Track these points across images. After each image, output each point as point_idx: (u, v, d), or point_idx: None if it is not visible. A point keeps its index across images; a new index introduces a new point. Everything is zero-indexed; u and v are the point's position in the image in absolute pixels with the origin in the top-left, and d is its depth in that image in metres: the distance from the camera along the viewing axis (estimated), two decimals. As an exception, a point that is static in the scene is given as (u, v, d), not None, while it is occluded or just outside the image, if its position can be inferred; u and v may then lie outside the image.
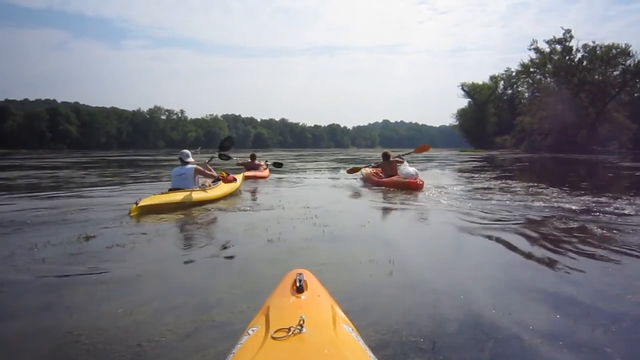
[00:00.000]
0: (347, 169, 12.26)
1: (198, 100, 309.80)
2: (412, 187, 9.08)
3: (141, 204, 6.23)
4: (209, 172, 7.92)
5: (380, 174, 10.44)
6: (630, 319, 2.65)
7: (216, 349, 2.22)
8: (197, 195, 7.19)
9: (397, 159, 10.55)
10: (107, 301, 2.92)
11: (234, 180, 8.85)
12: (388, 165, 10.38)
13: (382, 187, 9.69)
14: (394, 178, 9.77)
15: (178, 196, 6.85)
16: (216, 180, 8.20)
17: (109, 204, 7.30)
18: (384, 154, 10.75)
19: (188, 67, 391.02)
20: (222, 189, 8.13)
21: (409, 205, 7.19)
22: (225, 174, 8.66)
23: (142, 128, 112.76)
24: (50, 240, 4.60)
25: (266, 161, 14.50)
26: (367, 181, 10.80)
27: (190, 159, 7.59)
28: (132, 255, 4.09)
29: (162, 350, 2.25)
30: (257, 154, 15.19)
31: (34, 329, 2.53)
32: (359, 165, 11.61)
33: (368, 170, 11.17)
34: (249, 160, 13.78)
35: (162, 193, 6.91)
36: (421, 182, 9.25)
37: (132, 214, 6.04)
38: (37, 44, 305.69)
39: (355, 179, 11.83)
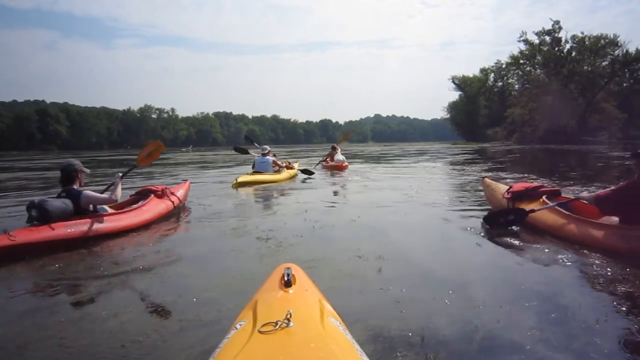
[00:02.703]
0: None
1: (189, 98, 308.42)
2: (340, 168, 13.77)
3: (240, 180, 9.10)
4: (279, 162, 11.22)
5: (329, 161, 14.83)
6: (618, 309, 2.67)
7: (202, 348, 2.19)
8: (273, 177, 10.25)
9: (334, 149, 15.00)
10: (91, 303, 2.89)
11: (293, 168, 11.99)
12: (332, 154, 14.88)
13: (327, 170, 13.95)
14: (331, 163, 14.51)
15: (263, 177, 9.91)
16: (282, 168, 11.18)
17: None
18: (332, 147, 15.46)
19: (179, 66, 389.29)
20: (287, 173, 11.11)
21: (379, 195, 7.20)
22: (288, 163, 12.06)
23: (133, 127, 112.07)
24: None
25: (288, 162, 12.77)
26: (326, 167, 14.73)
27: (269, 152, 10.98)
28: (117, 256, 4.06)
29: (146, 351, 2.22)
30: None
31: (16, 332, 2.50)
32: (309, 168, 12.74)
33: (326, 160, 15.13)
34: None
35: (251, 174, 9.96)
36: (346, 165, 14.17)
37: (233, 186, 8.91)
38: (26, 44, 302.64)
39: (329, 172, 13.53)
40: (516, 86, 70.01)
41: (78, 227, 4.40)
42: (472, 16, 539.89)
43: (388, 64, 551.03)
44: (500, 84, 75.47)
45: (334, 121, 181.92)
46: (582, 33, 55.99)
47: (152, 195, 5.88)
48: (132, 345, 2.27)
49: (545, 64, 58.43)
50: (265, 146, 11.30)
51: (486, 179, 6.44)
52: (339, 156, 14.50)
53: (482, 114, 76.36)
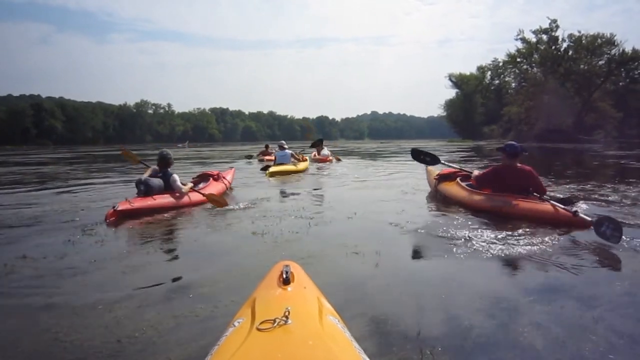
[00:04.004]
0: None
1: (185, 93, 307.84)
2: (324, 161, 15.92)
3: (271, 170, 11.02)
4: (296, 155, 12.81)
5: (316, 155, 16.77)
6: (615, 310, 2.68)
7: (198, 343, 2.18)
8: (295, 167, 11.95)
9: (320, 146, 17.17)
10: (87, 297, 2.87)
11: (306, 160, 13.37)
12: (319, 149, 16.97)
13: (313, 162, 15.37)
14: (317, 157, 16.51)
15: (287, 167, 11.65)
16: (297, 160, 12.64)
17: (94, 200, 7.23)
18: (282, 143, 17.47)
19: (175, 60, 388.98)
20: (303, 164, 12.64)
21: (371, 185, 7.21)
22: (302, 156, 13.39)
23: (129, 122, 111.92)
24: (32, 235, 4.55)
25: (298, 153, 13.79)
26: (313, 160, 16.02)
27: (287, 147, 12.76)
28: (114, 250, 4.03)
29: (141, 346, 2.21)
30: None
31: (11, 326, 2.49)
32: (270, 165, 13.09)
33: (314, 154, 16.98)
34: (264, 149, 19.34)
35: (275, 165, 11.78)
36: (330, 159, 16.55)
37: (267, 176, 10.65)
38: (20, 37, 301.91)
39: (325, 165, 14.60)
40: (513, 84, 70.37)
41: (169, 199, 5.98)
42: (469, 13, 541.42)
43: (385, 61, 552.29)
44: (497, 81, 75.74)
45: (330, 118, 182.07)
46: (579, 32, 56.43)
47: (211, 179, 7.50)
48: (127, 341, 2.26)
49: (542, 62, 58.69)
50: (282, 141, 13.15)
51: (428, 167, 7.97)
52: (325, 151, 16.99)
53: (478, 112, 76.66)
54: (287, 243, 4.23)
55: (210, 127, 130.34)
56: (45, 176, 13.08)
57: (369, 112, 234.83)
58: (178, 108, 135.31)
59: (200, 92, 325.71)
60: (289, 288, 1.66)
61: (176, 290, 3.00)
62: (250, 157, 20.09)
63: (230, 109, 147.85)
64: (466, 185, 6.22)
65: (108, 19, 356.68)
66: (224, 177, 7.77)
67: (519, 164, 5.55)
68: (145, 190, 5.83)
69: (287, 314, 1.33)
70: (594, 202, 6.05)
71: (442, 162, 7.32)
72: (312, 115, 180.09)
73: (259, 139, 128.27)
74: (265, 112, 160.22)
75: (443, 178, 6.86)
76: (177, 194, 6.10)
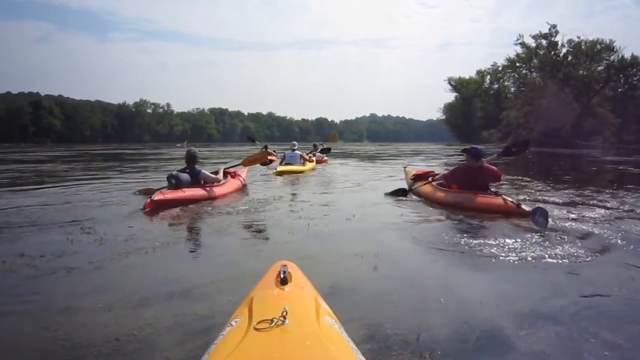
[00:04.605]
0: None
1: (185, 93, 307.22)
2: (321, 162, 16.29)
3: (279, 169, 11.73)
4: (305, 156, 13.44)
5: (312, 157, 16.61)
6: (616, 310, 2.69)
7: (196, 342, 2.19)
8: (302, 167, 12.57)
9: (315, 148, 17.72)
10: (86, 296, 2.87)
11: (313, 161, 14.14)
12: (314, 152, 17.07)
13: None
14: (313, 158, 16.01)
15: (294, 167, 12.24)
16: (306, 161, 13.29)
17: (92, 199, 7.22)
18: (314, 145, 18.45)
19: (174, 60, 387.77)
20: (311, 165, 13.44)
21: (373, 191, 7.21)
22: (310, 157, 14.12)
23: (128, 121, 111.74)
24: (29, 233, 4.54)
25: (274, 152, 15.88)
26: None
27: (297, 147, 13.54)
28: (113, 249, 4.03)
29: (140, 345, 2.21)
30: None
31: (10, 325, 2.49)
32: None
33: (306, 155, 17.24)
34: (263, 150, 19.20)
35: (285, 164, 12.44)
36: (326, 159, 17.33)
37: (275, 174, 11.39)
38: (20, 35, 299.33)
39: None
40: (512, 89, 70.39)
41: (196, 192, 6.66)
42: (470, 17, 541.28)
43: (384, 63, 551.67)
44: (496, 86, 75.79)
45: (329, 120, 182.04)
46: (579, 37, 56.55)
47: (229, 176, 8.18)
48: (126, 339, 2.26)
49: (542, 67, 58.80)
50: (294, 142, 14.21)
51: (406, 168, 9.07)
52: (319, 153, 17.82)
53: (477, 116, 76.70)
54: (286, 244, 4.24)
55: (209, 127, 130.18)
56: (43, 174, 13.05)
57: (367, 115, 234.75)
58: (177, 108, 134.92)
59: (200, 93, 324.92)
60: (287, 288, 1.66)
61: (175, 289, 2.99)
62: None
63: (230, 109, 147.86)
64: (436, 184, 6.89)
65: (109, 17, 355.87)
66: (239, 175, 8.56)
67: (484, 164, 6.29)
68: (175, 183, 6.45)
69: (284, 314, 1.34)
70: (593, 207, 6.07)
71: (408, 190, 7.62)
72: (311, 116, 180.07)
73: (259, 139, 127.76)
74: (264, 113, 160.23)
75: (417, 178, 7.70)
76: (203, 188, 6.84)
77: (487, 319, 2.51)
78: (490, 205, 5.69)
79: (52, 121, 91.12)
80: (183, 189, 6.44)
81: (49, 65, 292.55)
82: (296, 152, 13.22)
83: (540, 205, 5.37)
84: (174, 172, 6.66)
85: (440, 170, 7.80)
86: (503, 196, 5.75)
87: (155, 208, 5.72)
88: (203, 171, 7.02)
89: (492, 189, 6.20)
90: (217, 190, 7.03)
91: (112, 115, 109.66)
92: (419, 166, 13.40)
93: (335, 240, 4.49)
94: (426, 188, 7.05)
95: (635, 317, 2.64)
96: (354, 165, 17.69)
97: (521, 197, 7.03)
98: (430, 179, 7.31)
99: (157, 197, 5.86)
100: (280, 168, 11.87)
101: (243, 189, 8.27)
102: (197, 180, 6.85)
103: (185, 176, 6.68)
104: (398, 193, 7.40)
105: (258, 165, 9.90)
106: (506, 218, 5.27)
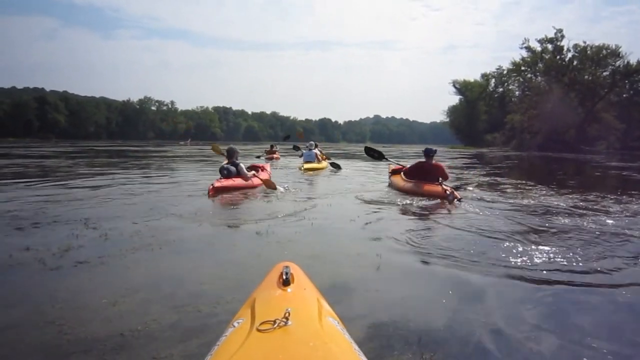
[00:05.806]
0: None
1: (189, 91, 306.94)
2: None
3: (305, 167, 13.48)
4: (319, 156, 14.92)
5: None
6: (618, 317, 2.69)
7: (199, 340, 2.21)
8: (320, 165, 14.30)
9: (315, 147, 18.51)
10: (91, 292, 2.89)
11: (326, 159, 15.67)
12: (271, 151, 19.73)
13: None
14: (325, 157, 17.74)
15: (314, 165, 13.93)
16: (320, 160, 14.82)
17: (91, 196, 7.24)
18: (314, 144, 19.26)
19: (179, 59, 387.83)
20: (324, 163, 14.86)
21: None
22: (324, 156, 15.71)
23: (132, 118, 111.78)
24: (35, 228, 4.56)
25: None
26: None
27: (314, 147, 15.05)
28: (118, 245, 4.05)
29: (145, 340, 2.23)
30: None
31: (16, 320, 2.50)
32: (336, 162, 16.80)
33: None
34: (269, 149, 21.88)
35: (306, 162, 14.04)
36: (324, 158, 17.81)
37: (301, 171, 13.12)
38: (26, 31, 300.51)
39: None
40: (516, 92, 70.13)
41: (241, 181, 8.24)
42: (475, 21, 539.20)
43: (389, 65, 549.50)
44: (500, 89, 75.44)
45: (333, 120, 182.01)
46: (584, 42, 56.21)
47: (259, 169, 9.88)
48: (131, 334, 2.28)
49: (547, 71, 58.55)
50: (311, 142, 15.60)
51: (390, 165, 10.36)
52: (316, 150, 19.62)
53: (481, 119, 76.42)
54: (290, 243, 4.25)
55: (212, 125, 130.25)
56: (47, 169, 13.10)
57: (371, 116, 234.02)
58: (181, 106, 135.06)
59: (204, 92, 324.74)
60: (289, 289, 1.66)
61: (179, 285, 3.02)
62: (258, 156, 20.44)
63: (234, 108, 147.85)
64: (403, 176, 8.73)
65: (115, 14, 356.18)
66: (266, 169, 10.17)
67: (433, 162, 8.38)
68: (227, 174, 8.13)
69: (287, 315, 1.33)
70: (597, 212, 6.07)
71: (386, 158, 10.57)
72: (315, 117, 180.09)
73: (261, 139, 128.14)
74: (268, 112, 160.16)
75: (393, 172, 9.55)
76: (245, 178, 8.36)
77: (491, 321, 2.51)
78: (433, 191, 7.47)
79: (56, 117, 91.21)
80: (233, 178, 8.08)
81: (54, 61, 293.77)
82: (312, 151, 14.73)
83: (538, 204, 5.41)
84: (225, 165, 8.36)
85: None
86: (442, 185, 7.54)
87: (216, 193, 7.24)
88: (241, 164, 8.51)
89: (440, 180, 7.91)
90: (255, 181, 8.60)
91: (116, 112, 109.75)
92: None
93: (338, 241, 4.50)
94: (397, 179, 8.93)
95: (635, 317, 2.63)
96: (357, 166, 17.65)
97: (524, 202, 7.05)
98: (401, 173, 9.05)
99: (217, 184, 7.44)
100: (307, 166, 13.65)
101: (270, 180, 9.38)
102: (237, 172, 8.33)
103: (233, 169, 8.32)
104: (374, 155, 10.35)
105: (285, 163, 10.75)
106: (442, 200, 7.01)
